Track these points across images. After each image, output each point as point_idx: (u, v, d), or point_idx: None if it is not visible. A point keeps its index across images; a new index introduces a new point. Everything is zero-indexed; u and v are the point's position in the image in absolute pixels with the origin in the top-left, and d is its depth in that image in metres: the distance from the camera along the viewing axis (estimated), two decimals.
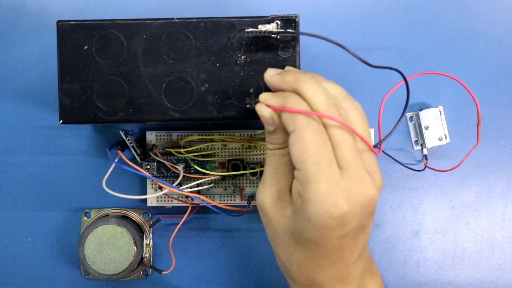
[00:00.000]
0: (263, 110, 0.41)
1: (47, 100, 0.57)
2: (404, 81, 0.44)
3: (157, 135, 0.56)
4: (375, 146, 0.42)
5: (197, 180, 0.55)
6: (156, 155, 0.55)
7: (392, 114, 0.53)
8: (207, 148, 0.56)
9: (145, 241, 0.56)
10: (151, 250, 0.57)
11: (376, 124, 0.58)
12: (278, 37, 0.46)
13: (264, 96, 0.42)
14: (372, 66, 0.42)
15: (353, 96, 0.57)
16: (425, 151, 0.57)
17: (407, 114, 0.58)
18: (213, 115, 0.47)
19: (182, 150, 0.55)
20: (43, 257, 0.58)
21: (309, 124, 0.38)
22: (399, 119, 0.45)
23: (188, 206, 0.55)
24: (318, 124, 0.39)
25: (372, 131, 0.57)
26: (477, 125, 0.52)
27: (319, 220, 0.37)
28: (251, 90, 0.47)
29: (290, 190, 0.41)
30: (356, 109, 0.41)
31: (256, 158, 0.56)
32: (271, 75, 0.42)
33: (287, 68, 0.45)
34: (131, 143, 0.53)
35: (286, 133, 0.40)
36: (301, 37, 0.47)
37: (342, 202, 0.37)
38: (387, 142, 0.51)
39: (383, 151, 0.47)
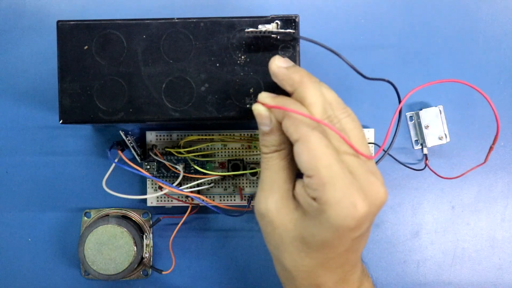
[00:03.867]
0: (260, 108, 0.41)
1: (47, 100, 0.57)
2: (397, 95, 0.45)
3: (157, 135, 0.56)
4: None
5: (197, 180, 0.55)
6: (156, 155, 0.55)
7: (392, 114, 0.53)
8: (207, 148, 0.56)
9: (145, 241, 0.56)
10: (151, 250, 0.57)
11: (376, 123, 0.58)
12: (278, 37, 0.46)
13: (264, 95, 0.42)
14: (366, 78, 0.43)
15: (354, 94, 0.57)
16: (425, 151, 0.57)
17: (407, 113, 0.58)
18: (213, 115, 0.47)
19: (182, 150, 0.55)
20: (43, 257, 0.58)
21: (314, 130, 0.38)
22: (397, 124, 0.46)
23: (188, 206, 0.55)
24: (320, 129, 0.39)
25: (372, 130, 0.57)
26: (490, 146, 0.50)
27: (339, 222, 0.37)
28: (251, 90, 0.47)
29: (292, 195, 0.41)
30: (349, 115, 0.41)
31: (256, 158, 0.56)
32: (279, 66, 0.42)
33: (294, 66, 0.42)
34: (131, 143, 0.53)
35: (283, 134, 0.40)
36: None
37: (360, 202, 0.37)
38: (387, 142, 0.51)
39: (388, 154, 0.48)
